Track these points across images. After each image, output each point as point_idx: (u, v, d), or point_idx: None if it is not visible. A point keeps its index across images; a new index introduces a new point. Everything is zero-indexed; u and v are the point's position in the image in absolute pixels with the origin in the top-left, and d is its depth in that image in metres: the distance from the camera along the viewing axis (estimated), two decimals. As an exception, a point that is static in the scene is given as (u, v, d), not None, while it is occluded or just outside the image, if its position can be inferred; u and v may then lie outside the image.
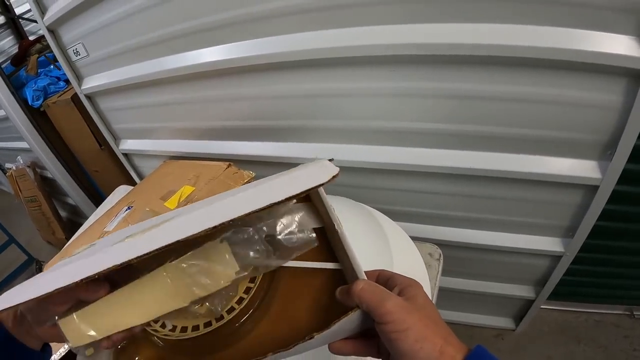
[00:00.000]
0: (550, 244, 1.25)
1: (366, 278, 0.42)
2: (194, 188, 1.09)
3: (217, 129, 1.48)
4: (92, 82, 1.64)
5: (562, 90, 0.92)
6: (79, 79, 1.69)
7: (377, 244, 0.88)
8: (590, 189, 1.06)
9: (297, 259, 0.49)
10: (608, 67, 0.84)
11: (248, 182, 1.02)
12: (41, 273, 0.53)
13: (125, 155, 1.94)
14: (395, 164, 1.19)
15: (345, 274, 0.48)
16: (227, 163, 1.13)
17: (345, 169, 1.27)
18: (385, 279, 0.43)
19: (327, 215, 0.50)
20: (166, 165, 1.56)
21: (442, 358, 0.34)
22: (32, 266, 2.76)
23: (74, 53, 1.58)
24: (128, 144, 1.86)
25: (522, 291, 1.48)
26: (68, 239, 2.95)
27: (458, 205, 1.27)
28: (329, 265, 0.49)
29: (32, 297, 0.36)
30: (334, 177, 0.41)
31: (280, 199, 0.38)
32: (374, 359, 0.42)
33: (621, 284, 1.56)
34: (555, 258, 1.28)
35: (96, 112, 1.77)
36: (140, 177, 2.02)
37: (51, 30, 1.57)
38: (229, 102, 1.36)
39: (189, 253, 0.43)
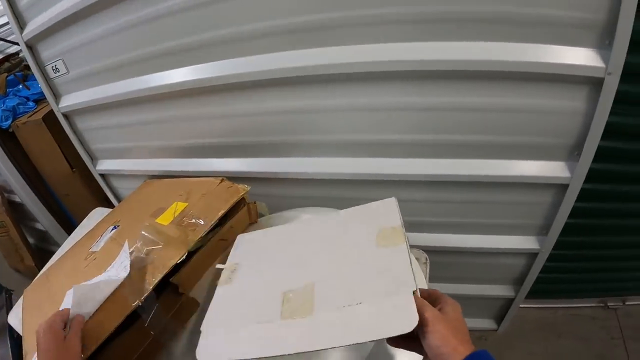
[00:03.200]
0: (526, 242, 1.33)
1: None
2: (187, 203, 1.13)
3: (197, 147, 1.52)
4: (70, 100, 1.65)
5: (531, 99, 1.03)
6: (57, 96, 1.69)
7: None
8: (561, 188, 1.15)
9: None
10: (571, 76, 0.95)
11: (244, 195, 1.10)
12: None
13: (103, 176, 1.93)
14: (373, 174, 1.27)
15: None
16: (220, 178, 1.17)
17: (327, 181, 1.34)
18: (435, 297, 0.60)
19: None
20: (148, 185, 1.57)
21: (454, 353, 0.50)
22: (2, 295, 2.68)
23: (53, 70, 1.59)
24: (106, 164, 1.86)
25: (502, 291, 1.56)
26: (37, 266, 2.91)
27: (436, 211, 1.34)
28: None
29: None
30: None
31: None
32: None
33: (594, 278, 1.66)
34: (532, 255, 1.37)
35: (73, 132, 1.77)
36: (118, 198, 2.01)
37: (29, 45, 1.57)
38: (210, 120, 1.40)
39: None
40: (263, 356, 0.61)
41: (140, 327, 0.87)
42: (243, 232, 1.08)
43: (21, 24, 1.53)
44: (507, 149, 1.14)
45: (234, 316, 0.73)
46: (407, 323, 0.52)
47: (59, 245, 2.87)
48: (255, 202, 1.17)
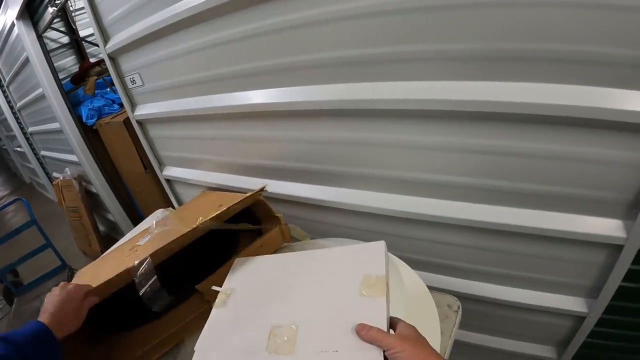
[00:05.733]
0: (574, 303, 1.19)
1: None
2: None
3: (257, 167, 1.52)
4: (144, 110, 1.72)
5: (591, 148, 0.91)
6: (133, 105, 1.77)
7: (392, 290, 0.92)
8: (615, 249, 1.00)
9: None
10: (636, 125, 0.82)
11: (259, 193, 1.11)
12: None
13: (168, 181, 1.99)
14: (422, 214, 1.19)
15: None
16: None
17: (375, 215, 1.29)
18: (394, 322, 0.65)
19: None
20: (203, 195, 1.60)
21: None
22: (65, 272, 2.84)
23: (131, 81, 1.67)
24: (171, 171, 1.91)
25: (544, 352, 1.41)
26: (102, 251, 3.06)
27: (482, 259, 1.23)
28: None
29: None
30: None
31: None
32: None
33: (646, 349, 1.51)
34: (579, 319, 1.22)
35: (145, 138, 1.85)
36: (180, 203, 2.07)
37: (112, 57, 1.67)
38: (271, 143, 1.40)
39: None
40: None
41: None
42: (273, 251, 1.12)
43: (105, 38, 1.64)
44: (562, 201, 1.01)
45: (225, 341, 0.78)
46: None
47: (125, 236, 3.07)
48: (287, 224, 1.16)
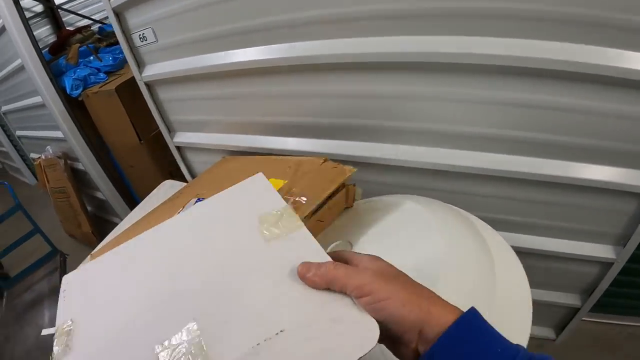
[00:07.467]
0: (602, 250, 1.25)
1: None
2: (286, 181, 1.04)
3: (287, 125, 1.43)
4: (154, 70, 1.57)
5: (627, 105, 0.95)
6: (140, 65, 1.61)
7: (479, 255, 0.86)
8: None
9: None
10: None
11: (349, 177, 0.97)
12: None
13: (178, 148, 1.85)
14: (461, 166, 1.20)
15: None
16: (323, 157, 1.08)
17: (408, 169, 1.28)
18: (346, 259, 0.43)
19: None
20: (227, 161, 1.50)
21: (431, 317, 0.35)
22: (56, 258, 2.69)
23: (140, 38, 1.51)
24: (184, 137, 1.77)
25: (568, 299, 1.45)
26: (94, 233, 2.91)
27: (514, 209, 1.26)
28: None
29: None
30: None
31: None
32: None
33: (665, 298, 1.57)
34: (606, 265, 1.27)
35: (154, 102, 1.69)
36: (191, 171, 1.93)
37: (117, 13, 1.49)
38: (306, 99, 1.32)
39: None
40: None
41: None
42: (337, 216, 1.00)
43: (110, -10, 1.44)
44: (598, 153, 1.07)
45: None
46: (366, 335, 0.37)
47: (116, 215, 2.89)
48: (354, 185, 1.06)
